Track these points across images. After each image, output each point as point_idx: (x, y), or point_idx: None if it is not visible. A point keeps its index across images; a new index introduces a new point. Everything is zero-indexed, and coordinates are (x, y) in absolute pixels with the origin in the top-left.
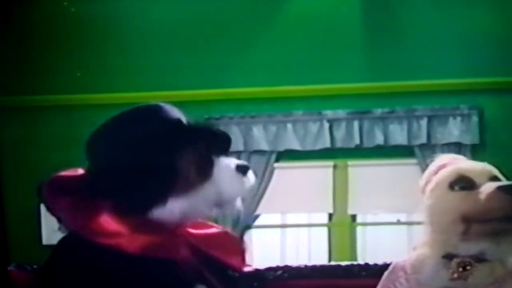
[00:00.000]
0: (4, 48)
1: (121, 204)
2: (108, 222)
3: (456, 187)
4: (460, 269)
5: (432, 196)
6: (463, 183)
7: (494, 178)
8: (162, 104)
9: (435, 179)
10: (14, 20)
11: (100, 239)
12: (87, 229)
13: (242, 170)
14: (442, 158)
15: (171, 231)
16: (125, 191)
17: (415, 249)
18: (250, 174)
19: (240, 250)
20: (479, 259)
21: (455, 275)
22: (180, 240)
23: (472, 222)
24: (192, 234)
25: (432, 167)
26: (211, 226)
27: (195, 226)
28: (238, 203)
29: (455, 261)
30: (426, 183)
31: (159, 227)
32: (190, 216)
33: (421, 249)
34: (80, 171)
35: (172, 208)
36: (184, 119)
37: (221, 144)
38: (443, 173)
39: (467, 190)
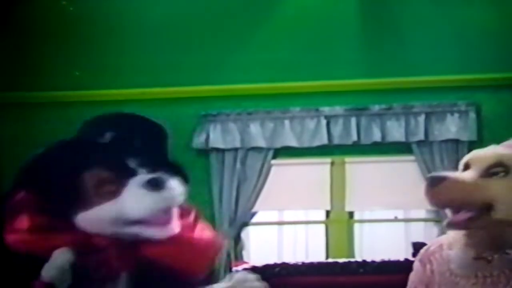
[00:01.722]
0: (3, 45)
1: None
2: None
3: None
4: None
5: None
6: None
7: (495, 165)
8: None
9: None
10: (13, 19)
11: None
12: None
13: (151, 184)
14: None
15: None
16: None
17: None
18: (169, 185)
19: (203, 256)
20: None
21: (477, 255)
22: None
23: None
24: (150, 246)
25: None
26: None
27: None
28: (151, 222)
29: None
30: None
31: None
32: (102, 230)
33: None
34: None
35: (82, 222)
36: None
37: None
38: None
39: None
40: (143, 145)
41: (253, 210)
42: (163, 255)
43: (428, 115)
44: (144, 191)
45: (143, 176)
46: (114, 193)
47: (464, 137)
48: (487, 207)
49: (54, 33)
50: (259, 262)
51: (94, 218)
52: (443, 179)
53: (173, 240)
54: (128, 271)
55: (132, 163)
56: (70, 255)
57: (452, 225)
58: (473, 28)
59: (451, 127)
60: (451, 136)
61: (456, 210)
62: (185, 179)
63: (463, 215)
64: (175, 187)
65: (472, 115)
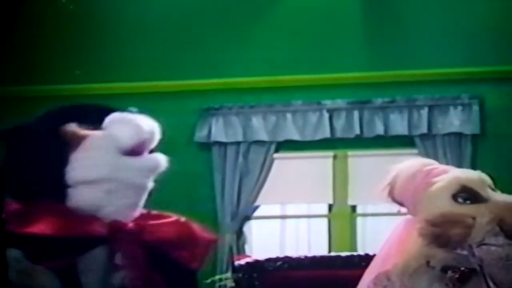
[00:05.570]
0: (5, 42)
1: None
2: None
3: (460, 199)
4: (455, 282)
5: (433, 207)
6: (467, 194)
7: (491, 187)
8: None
9: (434, 189)
10: (13, 17)
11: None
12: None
13: (133, 112)
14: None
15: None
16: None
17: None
18: (146, 118)
19: (199, 248)
20: (472, 269)
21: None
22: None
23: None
24: (147, 230)
25: (405, 172)
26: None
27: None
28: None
29: (450, 273)
30: (393, 184)
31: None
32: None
33: (409, 259)
34: None
35: (80, 159)
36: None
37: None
38: (441, 184)
39: (473, 203)
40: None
41: (255, 204)
42: (165, 241)
43: (431, 108)
44: (130, 116)
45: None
46: (96, 124)
47: (467, 130)
48: None
49: (54, 31)
50: (261, 255)
51: (88, 150)
52: None
53: (174, 229)
54: (133, 257)
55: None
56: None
57: None
58: (476, 21)
59: (454, 120)
60: (454, 129)
61: None
62: None
63: None
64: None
65: (475, 108)
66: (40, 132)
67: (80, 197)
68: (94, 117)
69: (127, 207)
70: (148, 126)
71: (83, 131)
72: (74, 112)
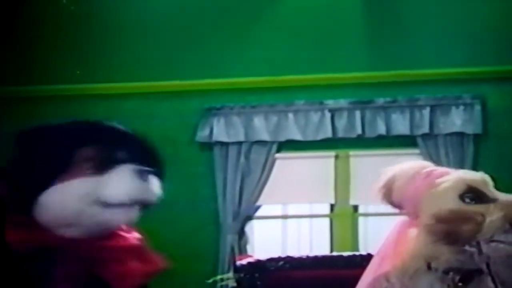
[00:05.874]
0: (5, 42)
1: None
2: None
3: (467, 199)
4: (457, 282)
5: (439, 206)
6: (473, 194)
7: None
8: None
9: (439, 189)
10: (15, 18)
11: None
12: None
13: (141, 173)
14: (415, 165)
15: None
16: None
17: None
18: (153, 180)
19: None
20: (478, 271)
21: None
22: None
23: None
24: (93, 247)
25: (404, 172)
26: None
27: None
28: (128, 210)
29: (451, 274)
30: (390, 186)
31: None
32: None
33: (409, 260)
34: None
35: (55, 193)
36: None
37: (135, 153)
38: (447, 184)
39: (479, 203)
40: (132, 142)
41: (257, 204)
42: (105, 259)
43: (433, 108)
44: (134, 177)
45: (132, 165)
46: (97, 172)
47: (469, 130)
48: None
49: (55, 31)
50: (263, 255)
51: (68, 191)
52: None
53: (120, 248)
54: (71, 275)
55: (121, 154)
56: None
57: None
58: (478, 21)
59: (456, 120)
60: (456, 129)
61: None
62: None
63: None
64: (156, 184)
65: (477, 108)
66: (57, 141)
67: (44, 214)
68: (114, 142)
69: (89, 234)
70: (145, 192)
71: (90, 165)
72: (96, 131)
